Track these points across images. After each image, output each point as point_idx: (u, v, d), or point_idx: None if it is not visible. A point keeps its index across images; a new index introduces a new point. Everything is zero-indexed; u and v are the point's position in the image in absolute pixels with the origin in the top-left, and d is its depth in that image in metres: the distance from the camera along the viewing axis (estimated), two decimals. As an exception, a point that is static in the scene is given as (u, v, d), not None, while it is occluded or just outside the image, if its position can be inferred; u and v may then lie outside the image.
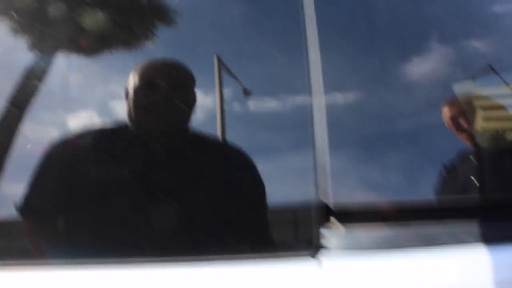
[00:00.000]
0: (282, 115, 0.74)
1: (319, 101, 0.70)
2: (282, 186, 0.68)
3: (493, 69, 0.81)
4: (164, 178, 0.70)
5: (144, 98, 0.74)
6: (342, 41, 0.80)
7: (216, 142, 0.72)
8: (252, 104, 0.75)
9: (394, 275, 0.60)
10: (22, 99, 0.78)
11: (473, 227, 0.65)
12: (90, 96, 0.82)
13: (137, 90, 0.74)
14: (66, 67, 0.85)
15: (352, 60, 0.80)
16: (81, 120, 0.76)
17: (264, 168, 0.68)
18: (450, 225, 0.65)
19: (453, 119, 0.80)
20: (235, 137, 0.72)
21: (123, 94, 0.75)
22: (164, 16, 0.82)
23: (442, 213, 0.68)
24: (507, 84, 0.82)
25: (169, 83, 0.75)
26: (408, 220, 0.65)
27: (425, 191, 0.73)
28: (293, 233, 0.65)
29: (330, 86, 0.72)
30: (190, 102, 0.73)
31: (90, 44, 0.83)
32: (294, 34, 0.77)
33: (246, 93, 0.75)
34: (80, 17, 0.83)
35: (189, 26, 0.83)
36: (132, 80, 0.75)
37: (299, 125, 0.71)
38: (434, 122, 0.79)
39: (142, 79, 0.74)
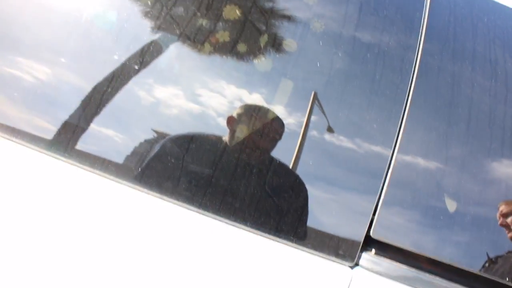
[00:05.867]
0: (358, 158, 0.97)
1: (399, 158, 0.95)
2: (343, 214, 0.96)
3: None
4: (241, 178, 0.96)
5: (244, 127, 1.00)
6: (437, 115, 1.01)
7: (285, 166, 0.97)
8: (334, 141, 0.98)
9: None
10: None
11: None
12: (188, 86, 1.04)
13: (240, 120, 1.01)
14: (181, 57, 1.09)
15: (439, 134, 1.00)
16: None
17: (328, 196, 0.96)
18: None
19: (504, 216, 0.94)
20: (307, 163, 0.97)
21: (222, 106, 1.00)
22: (283, 44, 1.06)
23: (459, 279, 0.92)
24: None
25: (263, 123, 1.01)
26: (426, 271, 0.91)
27: (455, 255, 0.95)
28: (345, 247, 0.93)
29: (410, 148, 0.97)
30: (275, 138, 1.00)
31: (217, 45, 1.05)
32: (399, 93, 1.00)
33: (330, 130, 0.98)
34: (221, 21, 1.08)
35: (302, 60, 1.05)
36: (238, 112, 1.01)
37: (371, 172, 0.96)
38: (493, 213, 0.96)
39: (246, 114, 1.01)
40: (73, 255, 0.91)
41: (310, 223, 0.94)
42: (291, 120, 1.00)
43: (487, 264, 0.93)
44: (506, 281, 0.91)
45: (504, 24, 1.13)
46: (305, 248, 0.92)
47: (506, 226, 0.95)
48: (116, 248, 0.91)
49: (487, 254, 0.93)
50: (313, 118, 0.99)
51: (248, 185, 0.95)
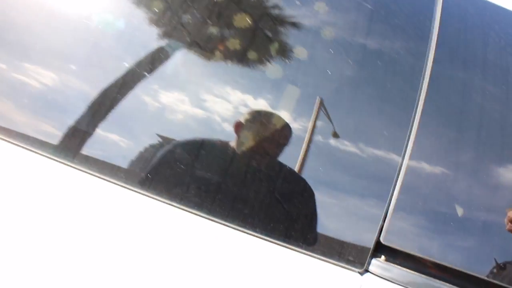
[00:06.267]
0: (369, 164, 0.98)
1: (409, 164, 0.96)
2: (353, 220, 0.97)
3: None
4: (249, 183, 0.98)
5: (251, 132, 1.01)
6: (448, 122, 1.02)
7: (292, 171, 0.98)
8: (346, 148, 0.99)
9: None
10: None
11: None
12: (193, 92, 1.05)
13: (247, 125, 1.01)
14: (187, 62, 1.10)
15: (449, 140, 1.01)
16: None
17: (338, 202, 0.97)
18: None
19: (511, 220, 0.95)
20: (311, 168, 0.98)
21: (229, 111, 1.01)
22: (295, 51, 1.07)
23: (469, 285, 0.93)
24: None
25: (271, 128, 1.02)
26: (437, 277, 0.92)
27: (465, 261, 0.96)
28: (354, 253, 0.94)
29: (421, 154, 0.98)
30: (283, 143, 1.01)
31: (224, 52, 1.06)
32: (409, 99, 1.00)
33: (335, 135, 0.99)
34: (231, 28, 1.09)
35: (312, 64, 1.07)
36: (245, 118, 1.02)
37: (381, 178, 0.97)
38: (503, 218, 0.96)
39: (253, 120, 1.02)
40: (80, 257, 0.91)
41: (320, 229, 0.95)
42: (298, 125, 1.01)
43: (495, 270, 0.94)
44: (515, 287, 0.92)
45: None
46: (315, 254, 0.93)
47: None
48: (123, 253, 0.92)
49: (495, 260, 0.94)
50: (320, 123, 1.00)
51: (256, 190, 0.96)
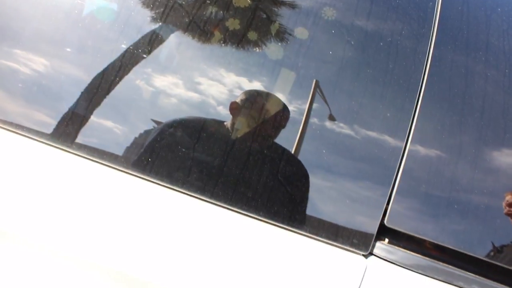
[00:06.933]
0: (373, 148, 0.97)
1: (413, 147, 0.96)
2: (357, 203, 0.96)
3: None
4: (241, 163, 0.96)
5: (247, 112, 1.00)
6: (450, 105, 1.02)
7: (287, 151, 0.97)
8: (349, 132, 0.99)
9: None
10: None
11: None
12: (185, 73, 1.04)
13: (244, 105, 1.00)
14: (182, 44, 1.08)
15: (453, 124, 1.01)
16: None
17: (342, 186, 0.97)
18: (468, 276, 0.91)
19: (510, 205, 0.95)
20: (309, 150, 0.98)
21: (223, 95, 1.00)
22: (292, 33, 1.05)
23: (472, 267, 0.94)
24: None
25: (268, 109, 1.01)
26: (440, 259, 0.92)
27: (467, 243, 0.96)
28: (359, 236, 0.94)
29: (424, 137, 0.98)
30: (279, 125, 0.99)
31: (218, 34, 1.04)
32: (412, 83, 1.00)
33: (331, 118, 0.98)
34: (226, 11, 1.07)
35: (311, 47, 1.05)
36: (241, 98, 1.00)
37: (385, 161, 0.97)
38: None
39: (249, 100, 1.00)
40: (77, 242, 0.90)
41: (325, 212, 0.95)
42: (295, 108, 1.00)
43: (496, 252, 0.95)
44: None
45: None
46: (319, 238, 0.93)
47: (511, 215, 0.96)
48: (126, 239, 0.91)
49: (492, 242, 0.95)
50: (315, 106, 1.00)
51: (254, 172, 0.95)
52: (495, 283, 0.93)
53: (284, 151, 0.98)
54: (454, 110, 1.00)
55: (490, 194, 0.96)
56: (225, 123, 1.00)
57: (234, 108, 1.00)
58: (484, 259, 0.94)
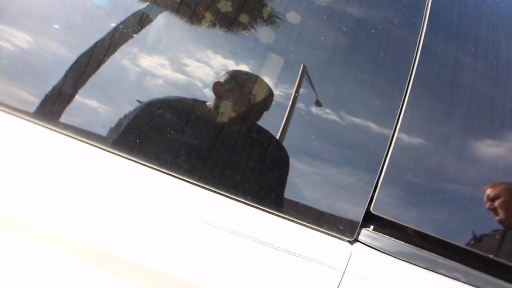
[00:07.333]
0: (361, 135, 0.97)
1: (400, 135, 0.97)
2: (343, 190, 0.96)
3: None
4: (224, 143, 0.96)
5: (230, 93, 0.99)
6: (438, 95, 1.02)
7: (270, 135, 0.97)
8: (337, 118, 0.98)
9: (395, 278, 0.90)
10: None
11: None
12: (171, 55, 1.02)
13: (227, 86, 0.98)
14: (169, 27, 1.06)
15: (441, 113, 1.02)
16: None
17: (329, 172, 0.96)
18: (451, 263, 0.93)
19: (491, 200, 0.97)
20: (296, 136, 0.97)
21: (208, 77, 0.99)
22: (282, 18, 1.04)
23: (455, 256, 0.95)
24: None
25: (252, 90, 1.00)
26: (425, 247, 0.94)
27: (451, 232, 0.98)
28: (345, 223, 0.94)
29: (412, 125, 0.99)
30: (262, 107, 0.98)
31: (207, 18, 1.03)
32: (403, 70, 1.00)
33: (318, 104, 0.98)
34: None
35: (302, 32, 1.04)
36: (225, 78, 0.99)
37: (372, 148, 0.97)
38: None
39: (233, 80, 0.99)
40: (63, 222, 0.89)
41: (311, 198, 0.95)
42: (280, 94, 0.99)
43: (479, 240, 0.97)
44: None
45: (508, 7, 1.14)
46: (305, 223, 0.93)
47: (493, 209, 0.97)
48: (114, 219, 0.89)
49: (473, 232, 0.97)
50: (302, 91, 0.99)
51: (234, 154, 0.94)
52: (475, 271, 0.95)
53: (267, 133, 0.97)
54: (442, 100, 1.01)
55: (474, 185, 0.98)
56: (207, 103, 0.99)
57: (218, 88, 0.99)
58: (465, 247, 0.95)
